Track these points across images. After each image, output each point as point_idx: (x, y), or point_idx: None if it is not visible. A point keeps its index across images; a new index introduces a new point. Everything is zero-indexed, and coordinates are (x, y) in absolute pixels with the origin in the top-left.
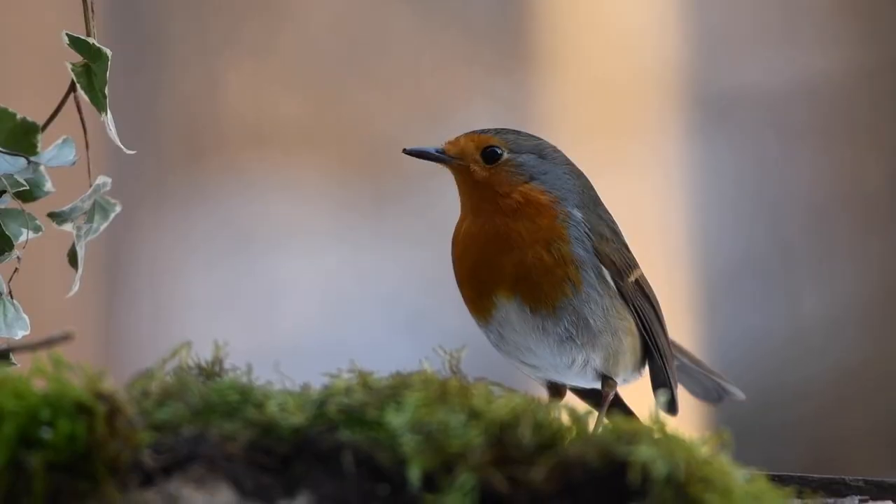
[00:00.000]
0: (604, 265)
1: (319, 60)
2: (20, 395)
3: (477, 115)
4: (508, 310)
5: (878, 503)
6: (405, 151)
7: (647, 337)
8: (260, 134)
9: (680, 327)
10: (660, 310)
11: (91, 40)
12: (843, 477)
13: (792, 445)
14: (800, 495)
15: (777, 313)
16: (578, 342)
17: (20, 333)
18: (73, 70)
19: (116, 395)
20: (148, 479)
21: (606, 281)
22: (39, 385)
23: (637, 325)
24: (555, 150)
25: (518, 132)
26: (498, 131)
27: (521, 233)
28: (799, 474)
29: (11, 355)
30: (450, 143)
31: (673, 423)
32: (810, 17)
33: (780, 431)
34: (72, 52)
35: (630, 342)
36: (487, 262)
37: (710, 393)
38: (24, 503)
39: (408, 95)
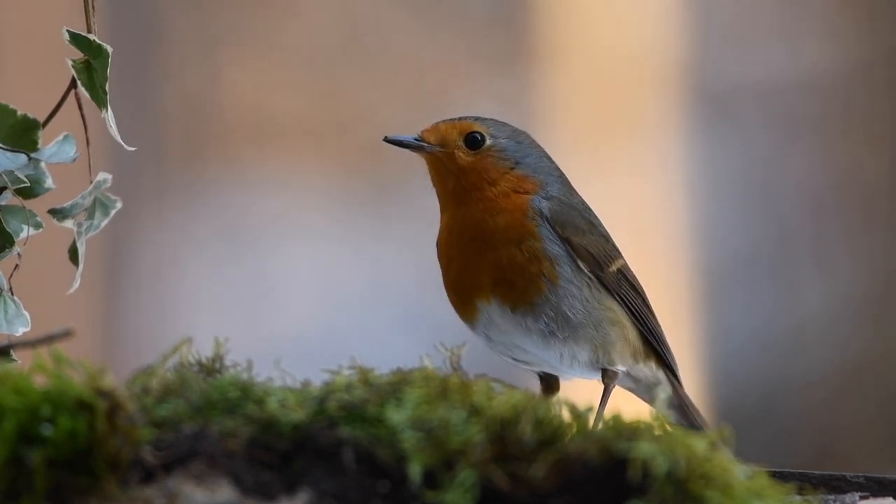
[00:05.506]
0: (580, 258)
1: (321, 56)
2: (21, 392)
3: (478, 109)
4: (490, 312)
5: (878, 500)
6: (386, 139)
7: (639, 324)
8: (261, 129)
9: (681, 320)
10: (647, 298)
11: (91, 37)
12: (843, 473)
13: (793, 437)
14: (800, 492)
15: (777, 306)
16: (560, 336)
17: (21, 330)
18: (73, 66)
19: (117, 392)
20: (148, 476)
21: (584, 273)
22: (40, 381)
23: (626, 313)
24: (526, 135)
25: (493, 119)
26: (476, 118)
27: (498, 230)
28: (800, 471)
29: (12, 352)
30: (427, 131)
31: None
32: (809, 11)
33: (782, 423)
34: (72, 48)
35: (618, 332)
36: (469, 265)
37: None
38: (24, 499)
39: (409, 91)
